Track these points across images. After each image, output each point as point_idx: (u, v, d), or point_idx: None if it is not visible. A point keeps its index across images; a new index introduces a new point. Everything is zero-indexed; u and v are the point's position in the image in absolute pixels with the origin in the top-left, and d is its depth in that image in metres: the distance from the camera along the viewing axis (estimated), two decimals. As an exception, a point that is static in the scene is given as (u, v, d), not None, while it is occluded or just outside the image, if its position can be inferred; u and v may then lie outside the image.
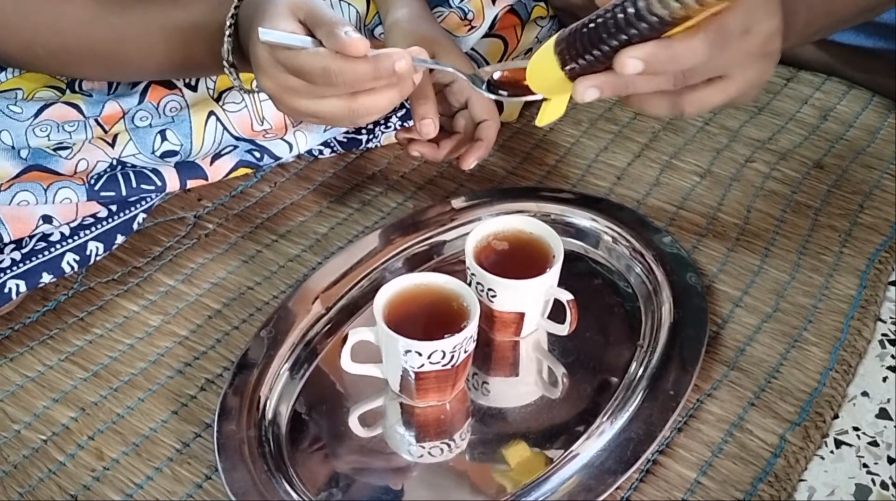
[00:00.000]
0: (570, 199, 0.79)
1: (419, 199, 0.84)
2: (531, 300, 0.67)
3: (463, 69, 0.67)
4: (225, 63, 0.67)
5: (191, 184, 0.76)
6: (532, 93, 0.61)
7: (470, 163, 0.73)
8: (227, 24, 0.65)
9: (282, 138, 0.80)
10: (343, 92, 0.60)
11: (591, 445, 0.61)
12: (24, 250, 0.71)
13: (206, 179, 0.77)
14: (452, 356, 0.61)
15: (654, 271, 0.72)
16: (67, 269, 0.72)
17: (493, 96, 0.65)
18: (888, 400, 0.66)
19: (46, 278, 0.71)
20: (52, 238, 0.72)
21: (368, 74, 0.58)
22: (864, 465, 0.62)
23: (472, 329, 0.61)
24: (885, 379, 0.68)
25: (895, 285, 0.75)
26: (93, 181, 0.71)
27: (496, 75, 0.65)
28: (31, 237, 0.72)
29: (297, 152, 0.81)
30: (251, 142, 0.79)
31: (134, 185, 0.73)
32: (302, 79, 0.59)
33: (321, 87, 0.59)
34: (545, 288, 0.67)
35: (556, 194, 0.81)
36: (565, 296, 0.66)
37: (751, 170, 0.87)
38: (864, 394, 0.67)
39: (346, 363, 0.64)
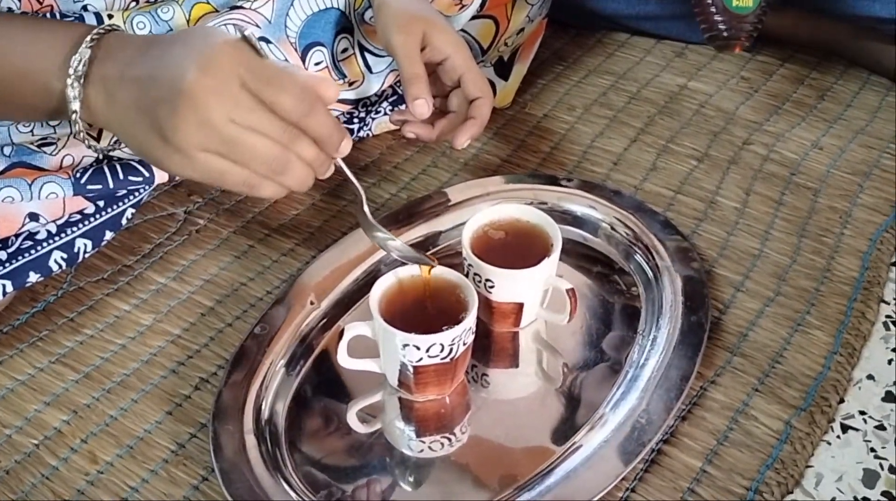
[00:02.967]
0: (567, 186, 0.78)
1: (413, 189, 0.83)
2: (530, 290, 0.66)
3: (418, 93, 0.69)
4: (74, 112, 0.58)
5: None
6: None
7: (463, 141, 0.72)
8: (77, 66, 0.57)
9: None
10: (286, 136, 0.56)
11: (594, 436, 0.60)
12: (9, 250, 0.69)
13: None
14: (451, 349, 0.60)
15: (653, 258, 0.71)
16: (55, 267, 0.71)
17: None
18: (894, 383, 0.66)
19: (34, 277, 0.70)
20: (38, 236, 0.71)
21: (330, 127, 0.57)
22: (872, 449, 0.61)
23: (470, 321, 0.60)
24: (890, 362, 0.67)
25: (898, 265, 0.75)
26: (79, 175, 0.70)
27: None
28: (16, 236, 0.70)
29: None
30: None
31: (121, 177, 0.71)
32: (261, 94, 0.55)
33: (272, 120, 0.55)
34: (544, 277, 0.65)
35: (552, 181, 0.79)
36: (564, 285, 0.65)
37: (749, 152, 0.86)
38: (870, 377, 0.66)
39: (343, 359, 0.62)
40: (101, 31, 0.58)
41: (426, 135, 0.74)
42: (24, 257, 0.69)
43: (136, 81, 0.56)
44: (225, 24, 0.72)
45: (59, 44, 0.58)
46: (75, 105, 0.57)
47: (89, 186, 0.70)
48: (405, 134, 0.74)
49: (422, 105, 0.69)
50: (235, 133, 0.55)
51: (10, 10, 0.71)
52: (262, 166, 0.56)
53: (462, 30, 0.82)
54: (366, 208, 0.64)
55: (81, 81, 0.57)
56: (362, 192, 0.64)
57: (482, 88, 0.72)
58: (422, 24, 0.70)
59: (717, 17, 0.79)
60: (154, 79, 0.55)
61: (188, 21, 0.75)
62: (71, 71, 0.57)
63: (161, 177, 0.74)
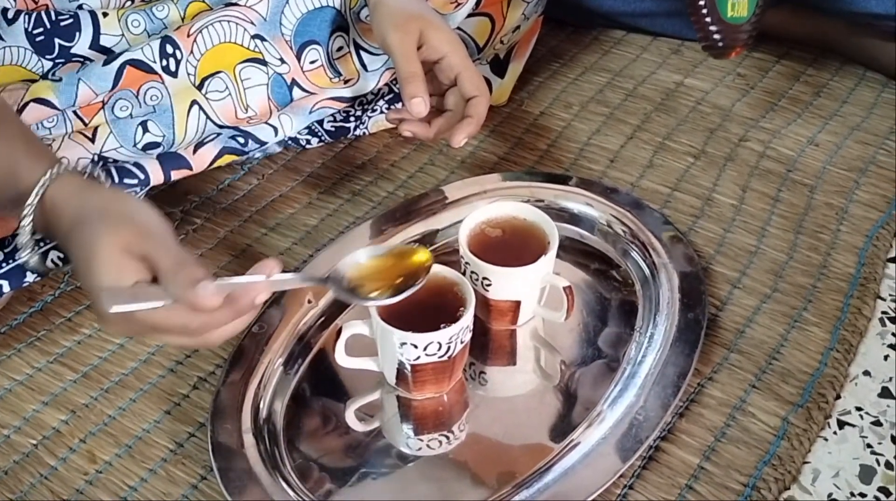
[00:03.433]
0: (564, 183, 0.78)
1: (410, 187, 0.83)
2: (527, 288, 0.66)
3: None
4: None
5: (175, 175, 0.75)
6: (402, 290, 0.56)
7: (460, 140, 0.72)
8: (29, 214, 0.57)
9: (266, 122, 0.78)
10: (199, 334, 0.55)
11: (592, 433, 0.60)
12: (6, 250, 0.69)
13: (191, 169, 0.75)
14: (449, 348, 0.60)
15: (650, 255, 0.71)
16: (52, 267, 0.71)
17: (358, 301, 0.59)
18: (890, 379, 0.66)
19: (31, 277, 0.70)
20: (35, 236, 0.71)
21: (229, 317, 0.54)
22: (868, 445, 0.62)
23: (467, 319, 0.60)
24: (886, 358, 0.67)
25: (894, 261, 0.75)
26: None
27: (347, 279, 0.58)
28: (12, 236, 0.70)
29: (283, 137, 0.79)
30: (235, 128, 0.78)
31: (116, 180, 0.71)
32: (156, 330, 0.55)
33: (176, 335, 0.55)
34: (541, 275, 0.66)
35: (549, 178, 0.79)
36: (561, 283, 0.65)
37: (745, 149, 0.86)
38: (866, 373, 0.66)
39: (341, 357, 0.62)
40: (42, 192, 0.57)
41: (423, 133, 0.74)
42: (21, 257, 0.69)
43: (73, 261, 0.56)
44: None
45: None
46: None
47: None
48: (402, 132, 0.74)
49: (419, 104, 0.69)
50: (150, 341, 0.59)
51: (4, 9, 0.71)
52: (184, 348, 0.61)
53: (458, 28, 0.82)
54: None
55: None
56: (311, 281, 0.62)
57: (479, 86, 0.72)
58: (418, 23, 0.70)
59: (713, 27, 0.79)
60: (81, 278, 0.55)
61: (182, 18, 0.75)
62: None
63: (156, 178, 0.74)
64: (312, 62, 0.77)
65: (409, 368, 0.61)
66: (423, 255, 0.59)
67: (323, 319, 0.69)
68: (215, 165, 0.79)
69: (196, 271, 0.52)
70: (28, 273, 0.69)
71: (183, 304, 0.52)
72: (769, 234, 0.76)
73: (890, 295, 0.72)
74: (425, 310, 0.61)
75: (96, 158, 0.73)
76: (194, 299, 0.52)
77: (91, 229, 0.54)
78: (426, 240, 0.75)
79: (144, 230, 0.54)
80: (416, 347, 0.59)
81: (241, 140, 0.78)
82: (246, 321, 0.56)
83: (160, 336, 0.56)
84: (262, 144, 0.79)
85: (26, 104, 0.70)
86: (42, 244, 0.63)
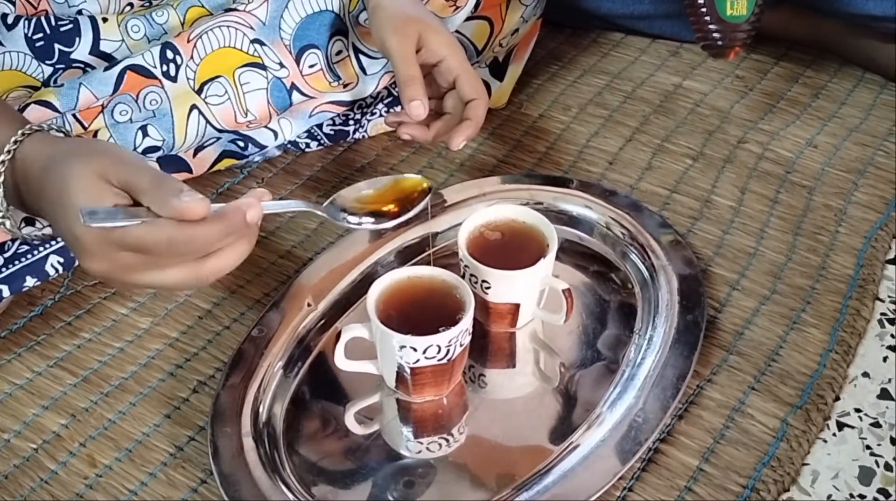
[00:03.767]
0: (563, 186, 0.78)
1: (409, 190, 0.83)
2: (526, 291, 0.66)
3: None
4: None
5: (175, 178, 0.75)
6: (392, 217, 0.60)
7: (458, 142, 0.72)
8: None
9: (266, 126, 0.78)
10: (190, 259, 0.52)
11: (592, 435, 0.60)
12: (6, 255, 0.69)
13: (191, 172, 0.76)
14: (448, 351, 0.60)
15: (649, 257, 0.71)
16: (52, 271, 0.71)
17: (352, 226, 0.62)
18: (889, 380, 0.66)
19: (30, 281, 0.70)
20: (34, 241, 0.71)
21: (219, 234, 0.51)
22: (867, 447, 0.62)
23: (467, 322, 0.60)
24: (885, 359, 0.67)
25: (892, 263, 0.75)
26: None
27: (349, 206, 0.62)
28: (13, 241, 0.70)
29: (283, 140, 0.80)
30: (234, 132, 0.78)
31: None
32: (141, 254, 0.51)
33: (165, 258, 0.52)
34: (540, 278, 0.66)
35: (549, 181, 0.79)
36: (561, 285, 0.65)
37: (743, 151, 0.86)
38: (865, 375, 0.66)
39: (341, 361, 0.63)
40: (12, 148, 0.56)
41: (422, 136, 0.74)
42: (20, 262, 0.70)
43: (46, 211, 0.55)
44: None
45: None
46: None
47: None
48: (401, 136, 0.74)
49: (418, 107, 0.69)
50: (139, 283, 0.53)
51: (4, 14, 0.71)
52: (177, 288, 0.55)
53: (457, 31, 0.82)
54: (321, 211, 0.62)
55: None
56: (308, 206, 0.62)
57: (477, 89, 0.72)
58: (417, 26, 0.70)
59: (712, 26, 0.79)
60: (55, 223, 0.54)
61: (182, 24, 0.75)
62: None
63: None
64: (311, 66, 0.77)
65: (408, 371, 0.61)
66: (420, 182, 0.60)
67: (322, 322, 0.69)
68: (215, 168, 0.79)
69: (178, 184, 0.51)
70: (28, 278, 0.69)
71: (167, 215, 0.50)
72: (768, 235, 0.77)
73: (889, 297, 0.72)
74: (425, 313, 0.62)
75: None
76: (179, 206, 0.49)
77: (64, 164, 0.53)
78: (425, 243, 0.76)
79: (119, 158, 0.53)
80: (415, 350, 0.59)
81: (241, 144, 0.79)
82: (242, 253, 0.53)
83: (148, 273, 0.52)
84: (262, 147, 0.80)
85: (27, 105, 0.70)
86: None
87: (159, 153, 0.75)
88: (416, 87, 0.69)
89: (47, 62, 0.72)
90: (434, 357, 0.60)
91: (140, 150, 0.75)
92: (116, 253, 0.51)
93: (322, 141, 0.87)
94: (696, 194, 0.81)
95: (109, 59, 0.73)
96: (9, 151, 0.56)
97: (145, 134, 0.74)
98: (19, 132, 0.56)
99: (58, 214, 0.53)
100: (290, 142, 0.87)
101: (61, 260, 0.71)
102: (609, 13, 1.00)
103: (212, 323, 0.71)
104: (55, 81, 0.73)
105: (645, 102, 0.93)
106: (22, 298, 0.73)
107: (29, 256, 0.70)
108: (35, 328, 0.71)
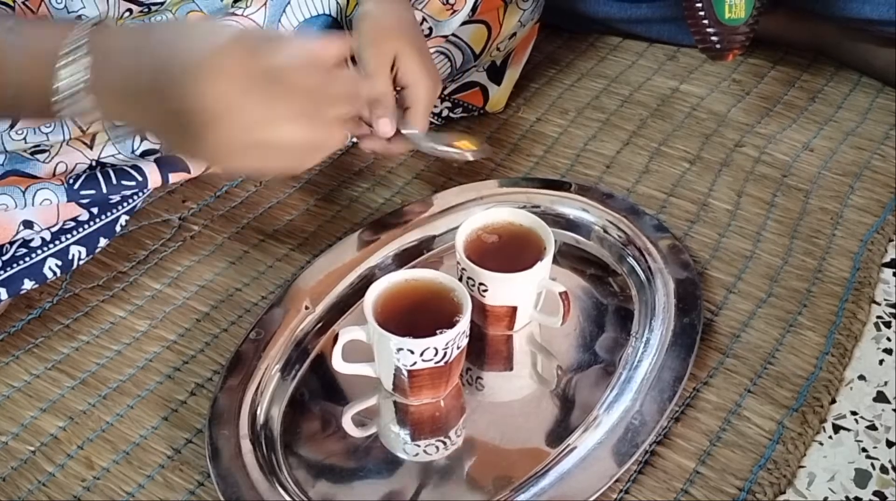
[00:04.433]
0: (561, 189, 0.78)
1: (407, 194, 0.83)
2: (523, 293, 0.66)
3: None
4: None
5: (173, 178, 0.74)
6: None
7: (386, 130, 0.70)
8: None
9: None
10: (313, 107, 0.54)
11: (589, 438, 0.60)
12: (4, 257, 0.69)
13: (189, 172, 0.75)
14: (445, 353, 0.60)
15: (646, 260, 0.72)
16: (49, 275, 0.71)
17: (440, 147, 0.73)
18: (885, 383, 0.66)
19: (28, 284, 0.70)
20: (32, 244, 0.71)
21: (354, 81, 0.57)
22: (864, 449, 0.62)
23: (464, 325, 0.61)
24: (881, 362, 0.68)
25: (889, 266, 0.75)
26: (72, 181, 0.70)
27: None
28: (11, 243, 0.70)
29: None
30: None
31: (114, 182, 0.71)
32: (275, 85, 0.53)
33: (293, 100, 0.53)
34: (537, 281, 0.66)
35: (546, 184, 0.80)
36: (558, 288, 0.65)
37: (740, 154, 0.86)
38: (861, 378, 0.67)
39: (338, 363, 0.63)
40: (85, 34, 0.54)
41: (383, 150, 0.74)
42: (18, 265, 0.70)
43: (146, 95, 0.53)
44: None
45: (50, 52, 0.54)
46: (81, 114, 0.54)
47: (83, 192, 0.70)
48: (362, 148, 0.74)
49: (385, 125, 0.69)
50: (260, 138, 0.53)
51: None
52: (296, 151, 0.55)
53: (454, 35, 0.83)
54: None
55: (82, 93, 0.53)
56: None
57: (420, 123, 0.72)
58: (395, 44, 0.70)
59: (710, 29, 0.80)
60: (163, 97, 0.52)
61: None
62: (63, 85, 0.53)
63: (154, 181, 0.74)
64: (309, 69, 0.77)
65: (405, 373, 0.61)
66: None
67: (320, 325, 0.69)
68: (213, 168, 0.79)
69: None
70: (26, 280, 0.70)
71: (309, 48, 0.55)
72: (764, 239, 0.77)
73: (885, 300, 0.72)
74: (422, 316, 0.62)
75: (94, 163, 0.73)
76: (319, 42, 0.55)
77: (183, 49, 0.52)
78: (423, 246, 0.76)
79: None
80: (412, 352, 0.59)
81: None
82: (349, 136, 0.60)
83: (270, 110, 0.52)
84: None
85: None
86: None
87: (157, 155, 0.75)
88: (384, 105, 0.69)
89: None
90: (431, 360, 0.60)
91: (138, 153, 0.75)
92: (245, 96, 0.51)
93: (320, 144, 0.87)
94: (693, 198, 0.81)
95: None
96: (80, 38, 0.53)
97: (143, 137, 0.74)
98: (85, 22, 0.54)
99: (179, 44, 0.52)
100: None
101: (59, 263, 0.71)
102: (607, 17, 1.00)
103: (209, 326, 0.71)
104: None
105: (642, 105, 0.93)
106: (20, 300, 0.73)
107: (27, 258, 0.70)
108: (33, 331, 0.72)
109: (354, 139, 0.88)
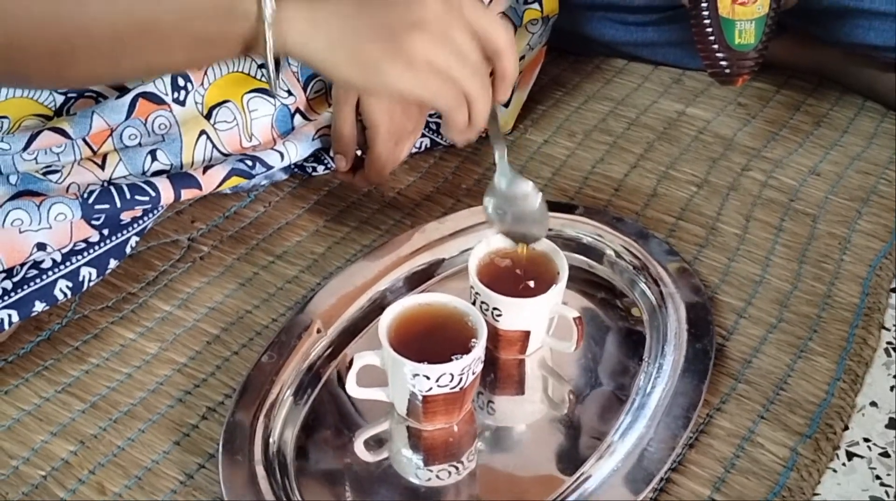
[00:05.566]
0: (571, 212, 0.79)
1: (417, 216, 0.83)
2: (537, 318, 0.66)
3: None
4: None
5: (185, 194, 0.74)
6: None
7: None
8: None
9: (272, 149, 0.79)
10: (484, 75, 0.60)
11: (604, 465, 0.60)
12: (14, 279, 0.69)
13: (200, 188, 0.75)
14: (461, 379, 0.60)
15: (658, 285, 0.72)
16: (60, 296, 0.71)
17: None
18: (896, 409, 0.66)
19: (39, 306, 0.69)
20: (43, 265, 0.71)
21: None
22: (877, 477, 0.62)
23: (480, 350, 0.61)
24: (892, 388, 0.68)
25: (897, 292, 0.75)
26: (86, 196, 0.70)
27: None
28: (21, 265, 0.70)
29: (289, 162, 0.80)
30: (241, 153, 0.78)
31: (128, 197, 0.71)
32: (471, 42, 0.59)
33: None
34: (551, 306, 0.66)
35: (555, 207, 0.80)
36: (571, 313, 0.65)
37: (747, 178, 0.87)
38: (873, 404, 0.67)
39: (352, 388, 0.62)
40: None
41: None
42: (29, 287, 0.69)
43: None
44: None
45: None
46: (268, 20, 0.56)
47: (97, 206, 0.70)
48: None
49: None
50: (461, 52, 0.59)
51: None
52: (472, 87, 0.60)
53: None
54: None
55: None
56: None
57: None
58: None
59: (719, 54, 0.80)
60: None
61: None
62: None
63: (167, 197, 0.74)
64: (317, 92, 0.78)
65: (420, 399, 0.61)
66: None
67: (331, 349, 0.69)
68: (224, 186, 0.79)
69: None
70: (37, 302, 0.69)
71: None
72: (773, 263, 0.77)
73: (894, 325, 0.72)
74: (437, 341, 0.62)
75: (105, 183, 0.73)
76: None
77: None
78: (434, 269, 0.76)
79: None
80: (428, 378, 0.59)
81: (249, 163, 0.78)
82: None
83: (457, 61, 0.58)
84: (269, 167, 0.80)
85: (41, 131, 0.70)
86: None
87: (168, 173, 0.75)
88: (343, 143, 0.78)
89: (59, 90, 0.72)
90: (447, 385, 0.60)
91: (149, 173, 0.75)
92: (460, 9, 0.58)
93: (329, 165, 0.88)
94: (702, 222, 0.82)
95: (121, 88, 0.74)
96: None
97: (154, 158, 0.74)
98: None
99: None
100: (296, 165, 0.87)
101: (70, 285, 0.71)
102: (613, 40, 1.01)
103: (220, 349, 0.71)
104: (68, 111, 0.73)
105: (649, 128, 0.93)
106: (28, 322, 0.73)
107: (37, 280, 0.70)
108: (42, 353, 0.71)
109: (361, 154, 0.88)
